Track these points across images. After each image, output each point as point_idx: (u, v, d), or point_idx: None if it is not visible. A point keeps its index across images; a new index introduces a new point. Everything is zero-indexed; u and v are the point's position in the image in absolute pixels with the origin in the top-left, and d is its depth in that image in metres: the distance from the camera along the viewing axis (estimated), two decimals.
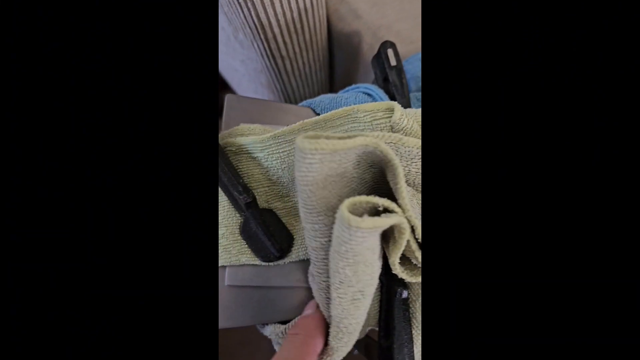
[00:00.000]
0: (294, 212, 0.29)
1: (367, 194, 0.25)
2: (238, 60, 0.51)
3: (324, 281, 0.25)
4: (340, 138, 0.21)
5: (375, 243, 0.22)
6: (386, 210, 0.22)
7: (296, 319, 0.28)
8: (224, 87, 0.74)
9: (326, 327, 0.26)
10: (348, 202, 0.20)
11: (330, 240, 0.22)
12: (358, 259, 0.21)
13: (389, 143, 0.24)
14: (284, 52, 0.43)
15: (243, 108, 0.32)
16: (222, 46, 0.51)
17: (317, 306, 0.26)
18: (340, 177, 0.22)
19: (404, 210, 0.22)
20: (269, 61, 0.44)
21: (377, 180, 0.25)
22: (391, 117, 0.26)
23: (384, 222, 0.20)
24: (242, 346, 0.56)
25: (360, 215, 0.22)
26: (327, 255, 0.24)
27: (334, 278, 0.23)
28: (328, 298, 0.25)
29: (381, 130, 0.26)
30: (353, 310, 0.24)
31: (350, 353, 0.26)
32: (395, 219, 0.21)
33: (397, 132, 0.26)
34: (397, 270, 0.23)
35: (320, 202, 0.22)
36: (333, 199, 0.22)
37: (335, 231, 0.21)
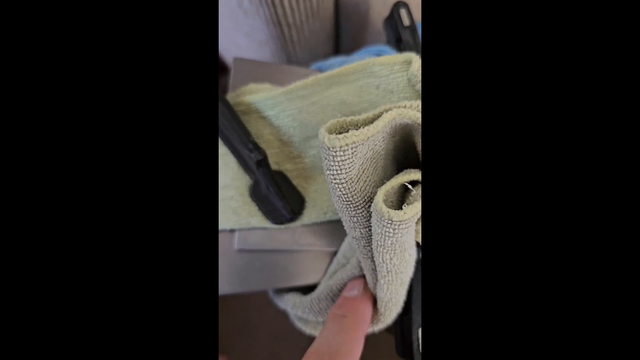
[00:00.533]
0: (305, 173, 0.28)
1: (392, 164, 0.24)
2: (241, 33, 0.49)
3: (369, 265, 0.24)
4: (366, 120, 0.19)
5: (414, 224, 0.20)
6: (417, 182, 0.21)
7: (320, 287, 0.27)
8: (224, 70, 0.72)
9: (373, 305, 0.25)
10: (382, 194, 0.18)
11: (371, 229, 0.21)
12: (405, 247, 0.20)
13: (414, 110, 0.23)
14: (290, 19, 0.42)
15: (251, 71, 0.31)
16: (224, 19, 0.49)
17: (364, 285, 0.25)
18: (371, 160, 0.20)
19: None
20: (275, 29, 0.43)
21: (398, 147, 0.24)
22: (409, 69, 0.24)
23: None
24: (239, 333, 0.55)
25: (394, 198, 0.20)
26: (368, 243, 0.23)
27: (380, 267, 0.21)
28: (375, 280, 0.24)
29: (397, 84, 0.25)
30: (402, 290, 0.23)
31: None
32: None
33: (414, 85, 0.24)
34: (420, 237, 0.22)
35: (357, 196, 0.20)
36: (369, 188, 0.21)
37: (375, 227, 0.19)
